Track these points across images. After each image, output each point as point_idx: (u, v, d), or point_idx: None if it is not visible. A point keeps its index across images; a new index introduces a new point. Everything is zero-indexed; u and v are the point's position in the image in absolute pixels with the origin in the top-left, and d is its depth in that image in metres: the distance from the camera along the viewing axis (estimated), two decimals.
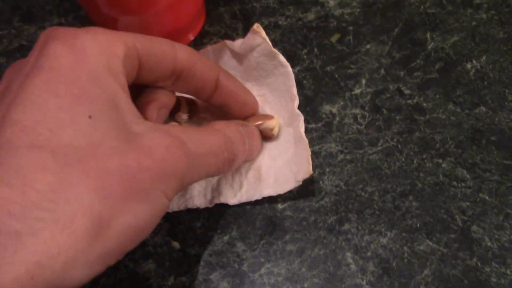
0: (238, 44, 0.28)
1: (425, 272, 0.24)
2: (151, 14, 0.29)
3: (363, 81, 0.30)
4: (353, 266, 0.24)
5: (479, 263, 0.24)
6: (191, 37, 0.33)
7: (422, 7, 0.33)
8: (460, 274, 0.24)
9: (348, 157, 0.28)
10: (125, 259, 0.25)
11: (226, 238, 0.26)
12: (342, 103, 0.29)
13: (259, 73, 0.29)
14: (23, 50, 0.32)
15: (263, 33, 0.27)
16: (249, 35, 0.28)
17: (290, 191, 0.26)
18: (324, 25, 0.32)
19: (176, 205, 0.27)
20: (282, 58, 0.28)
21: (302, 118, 0.27)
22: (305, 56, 0.31)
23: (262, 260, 0.25)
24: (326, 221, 0.26)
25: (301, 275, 0.24)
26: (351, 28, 0.32)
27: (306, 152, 0.26)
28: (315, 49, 0.31)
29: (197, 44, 0.32)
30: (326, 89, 0.30)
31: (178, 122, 0.28)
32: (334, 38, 0.32)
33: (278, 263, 0.25)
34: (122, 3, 0.28)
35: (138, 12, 0.29)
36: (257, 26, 0.27)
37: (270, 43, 0.27)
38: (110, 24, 0.30)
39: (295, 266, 0.25)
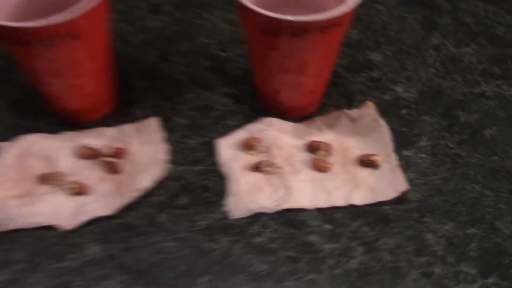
0: (354, 112, 0.48)
1: None
2: None
3: (424, 138, 0.50)
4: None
5: None
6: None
7: (455, 94, 0.53)
8: None
9: (419, 181, 0.47)
10: None
11: (356, 224, 0.44)
12: (413, 150, 0.49)
13: (367, 130, 0.48)
14: None
15: (373, 106, 0.47)
16: (363, 108, 0.48)
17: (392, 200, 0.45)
18: (396, 103, 0.52)
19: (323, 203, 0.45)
20: (382, 121, 0.47)
21: (395, 156, 0.46)
22: (387, 122, 0.50)
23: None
24: (412, 217, 0.45)
25: None
26: (413, 105, 0.52)
27: (401, 175, 0.45)
28: (393, 118, 0.51)
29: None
30: (403, 141, 0.49)
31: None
32: (404, 111, 0.52)
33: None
34: None
35: None
36: (370, 103, 0.47)
37: (376, 113, 0.47)
38: None
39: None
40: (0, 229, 0.43)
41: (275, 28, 0.40)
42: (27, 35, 0.39)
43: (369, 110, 0.48)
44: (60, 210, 0.44)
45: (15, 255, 0.43)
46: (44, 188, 0.46)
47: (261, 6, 0.40)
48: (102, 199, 0.45)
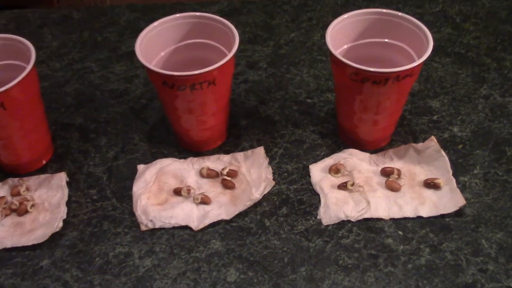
0: (420, 145, 0.61)
1: None
2: None
3: (477, 167, 0.61)
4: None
5: None
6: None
7: (502, 133, 0.65)
8: None
9: (473, 200, 0.58)
10: None
11: (423, 231, 0.55)
12: (468, 176, 0.60)
13: (431, 159, 0.60)
14: None
15: (435, 140, 0.59)
16: (427, 141, 0.60)
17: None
18: (453, 140, 0.64)
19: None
20: (443, 153, 0.59)
21: (454, 180, 0.58)
22: (447, 154, 0.62)
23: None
24: (469, 227, 0.55)
25: None
26: (467, 142, 0.64)
27: (459, 194, 0.56)
28: (451, 151, 0.63)
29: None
30: (459, 169, 0.61)
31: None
32: (460, 146, 0.63)
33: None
34: None
35: None
36: (433, 138, 0.59)
37: (438, 145, 0.59)
38: None
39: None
40: (146, 228, 0.57)
41: (363, 77, 0.54)
42: (181, 81, 0.54)
43: (433, 143, 0.61)
44: (190, 215, 0.58)
45: (157, 247, 0.56)
46: (177, 199, 0.59)
47: (348, 60, 0.54)
48: (221, 207, 0.58)
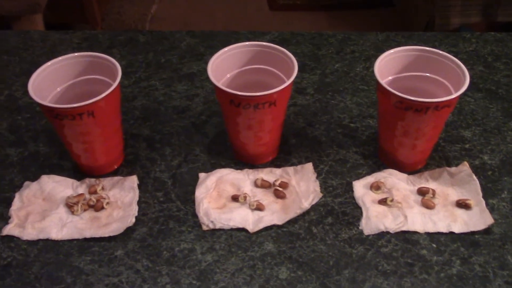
0: (453, 169, 0.68)
1: None
2: None
3: (505, 191, 0.68)
4: None
5: None
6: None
7: None
8: None
9: (501, 220, 0.64)
10: None
11: (455, 245, 0.62)
12: (497, 199, 0.67)
13: (462, 182, 0.67)
14: None
15: (468, 165, 0.66)
16: (460, 166, 0.67)
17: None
18: (483, 167, 0.71)
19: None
20: (474, 177, 0.66)
21: (484, 202, 0.64)
22: (477, 179, 0.69)
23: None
24: (496, 243, 0.62)
25: None
26: (496, 169, 0.71)
27: (488, 214, 0.63)
28: (481, 176, 0.70)
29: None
30: (489, 193, 0.67)
31: None
32: (489, 173, 0.70)
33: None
34: None
35: None
36: (466, 163, 0.66)
37: (470, 170, 0.66)
38: None
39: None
40: (207, 228, 0.65)
41: (406, 105, 0.61)
42: (247, 100, 0.62)
43: (465, 167, 0.68)
44: (246, 219, 0.65)
45: (217, 245, 0.63)
46: (234, 204, 0.67)
47: (392, 89, 0.62)
48: (274, 214, 0.66)
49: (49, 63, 0.68)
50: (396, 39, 0.94)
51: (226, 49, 0.68)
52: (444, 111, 0.63)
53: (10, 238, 0.64)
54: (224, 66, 0.69)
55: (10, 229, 0.64)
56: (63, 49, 0.93)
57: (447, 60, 0.67)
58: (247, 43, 0.69)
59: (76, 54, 0.69)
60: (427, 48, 0.68)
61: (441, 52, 0.68)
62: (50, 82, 0.68)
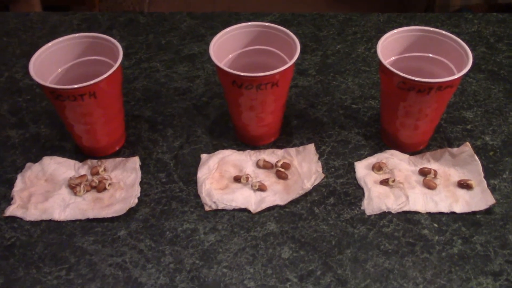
0: (455, 150, 0.68)
1: None
2: None
3: (506, 172, 0.68)
4: None
5: None
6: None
7: None
8: None
9: (502, 201, 0.65)
10: None
11: (456, 225, 0.62)
12: (498, 180, 0.67)
13: (464, 163, 0.67)
14: None
15: (469, 146, 0.67)
16: (462, 147, 0.67)
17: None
18: (485, 147, 0.71)
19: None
20: (476, 157, 0.67)
21: (485, 182, 0.65)
22: (479, 160, 0.69)
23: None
24: (497, 223, 0.62)
25: None
26: (498, 150, 0.71)
27: (490, 194, 0.63)
28: (483, 157, 0.70)
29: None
30: (490, 173, 0.68)
31: None
32: (491, 153, 0.70)
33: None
34: None
35: None
36: (468, 143, 0.66)
37: (472, 151, 0.66)
38: None
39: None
40: (210, 208, 0.65)
41: (409, 85, 0.61)
42: (250, 81, 0.62)
43: (467, 148, 0.68)
44: (248, 199, 0.66)
45: (219, 225, 0.64)
46: (236, 185, 0.67)
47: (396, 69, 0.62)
48: (276, 195, 0.66)
49: (49, 44, 0.67)
50: (397, 20, 0.93)
51: (227, 29, 0.68)
52: (447, 91, 0.63)
53: (13, 219, 0.64)
54: (226, 47, 0.69)
55: (13, 210, 0.64)
56: (62, 31, 0.93)
57: (450, 40, 0.67)
58: (249, 23, 0.69)
59: (77, 35, 0.69)
60: (430, 29, 0.68)
61: (444, 32, 0.67)
62: (51, 63, 0.68)
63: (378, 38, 0.67)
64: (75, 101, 0.63)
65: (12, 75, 0.85)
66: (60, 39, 0.68)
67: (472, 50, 0.65)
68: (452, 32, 0.68)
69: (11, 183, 0.68)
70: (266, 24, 0.69)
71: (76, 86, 0.61)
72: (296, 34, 0.68)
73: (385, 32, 0.68)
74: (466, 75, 0.65)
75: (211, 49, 0.65)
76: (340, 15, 0.95)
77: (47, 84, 0.63)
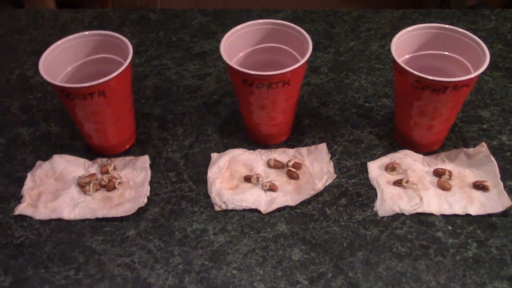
0: (470, 150, 0.66)
1: None
2: None
3: None
4: None
5: None
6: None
7: None
8: None
9: None
10: None
11: (471, 227, 0.61)
12: None
13: (480, 163, 0.66)
14: None
15: (486, 146, 0.65)
16: (478, 147, 0.66)
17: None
18: (502, 148, 0.69)
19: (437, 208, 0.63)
20: (493, 158, 0.65)
21: (502, 184, 0.63)
22: (495, 160, 0.67)
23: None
24: None
25: None
26: None
27: (506, 196, 0.62)
28: (499, 158, 0.68)
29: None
30: (507, 175, 0.66)
31: None
32: (508, 154, 0.69)
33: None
34: None
35: None
36: (484, 144, 0.65)
37: (488, 151, 0.65)
38: None
39: None
40: (220, 208, 0.64)
41: (424, 84, 0.60)
42: (261, 79, 0.61)
43: (483, 149, 0.66)
44: (259, 200, 0.65)
45: (229, 226, 0.63)
46: (247, 185, 0.66)
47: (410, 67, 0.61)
48: (287, 195, 0.65)
49: (59, 42, 0.67)
50: (412, 16, 0.91)
51: (238, 27, 0.67)
52: (463, 90, 0.61)
53: (23, 217, 0.64)
54: (237, 45, 0.68)
55: (23, 209, 0.64)
56: (74, 28, 0.92)
57: (466, 38, 0.65)
58: (260, 21, 0.68)
59: (87, 32, 0.68)
60: (446, 26, 0.66)
61: (460, 29, 0.66)
62: (61, 61, 0.67)
63: (392, 35, 0.66)
64: (84, 99, 0.62)
65: (23, 73, 0.84)
66: (70, 37, 0.67)
67: (489, 47, 0.63)
68: (468, 29, 0.67)
69: (21, 182, 0.68)
70: (278, 21, 0.68)
71: (85, 85, 0.61)
72: (308, 31, 0.66)
73: (399, 29, 0.66)
74: (482, 73, 0.63)
75: (222, 47, 0.64)
76: (353, 11, 0.94)
77: (56, 82, 0.62)
